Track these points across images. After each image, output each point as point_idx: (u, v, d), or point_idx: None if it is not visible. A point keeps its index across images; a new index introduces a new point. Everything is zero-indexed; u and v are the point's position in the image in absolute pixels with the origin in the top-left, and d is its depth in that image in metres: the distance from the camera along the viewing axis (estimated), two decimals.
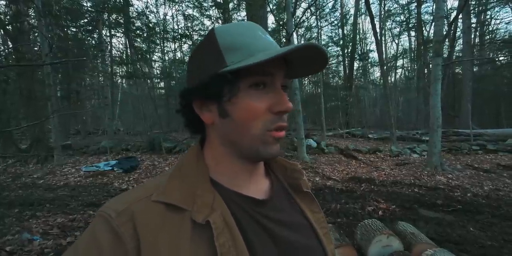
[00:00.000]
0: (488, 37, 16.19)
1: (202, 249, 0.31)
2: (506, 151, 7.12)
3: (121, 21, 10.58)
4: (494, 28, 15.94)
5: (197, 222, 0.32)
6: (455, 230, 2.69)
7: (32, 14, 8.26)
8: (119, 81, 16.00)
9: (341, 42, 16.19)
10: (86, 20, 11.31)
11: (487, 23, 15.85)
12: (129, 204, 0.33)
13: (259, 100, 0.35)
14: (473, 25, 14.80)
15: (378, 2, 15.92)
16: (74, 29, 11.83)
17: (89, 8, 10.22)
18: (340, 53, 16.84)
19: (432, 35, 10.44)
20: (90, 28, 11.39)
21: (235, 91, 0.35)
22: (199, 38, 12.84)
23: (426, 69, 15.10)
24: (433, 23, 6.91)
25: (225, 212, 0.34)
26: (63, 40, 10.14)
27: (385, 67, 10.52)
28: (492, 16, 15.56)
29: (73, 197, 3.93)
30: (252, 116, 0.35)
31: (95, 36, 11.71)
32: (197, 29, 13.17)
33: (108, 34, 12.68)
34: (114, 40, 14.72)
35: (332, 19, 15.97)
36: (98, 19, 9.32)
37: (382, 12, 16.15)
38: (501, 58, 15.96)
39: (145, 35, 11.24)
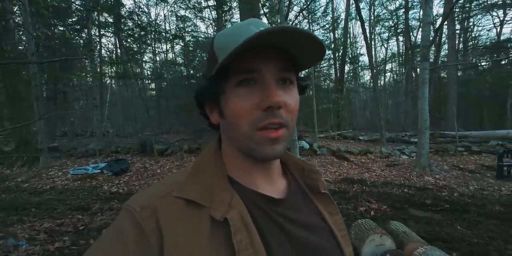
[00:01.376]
0: (471, 43, 16.92)
1: (220, 245, 0.31)
2: (489, 152, 7.41)
3: (112, 20, 10.40)
4: (477, 34, 16.72)
5: (215, 219, 0.32)
6: (444, 229, 2.78)
7: (18, 11, 8.00)
8: (108, 81, 15.66)
9: (332, 46, 16.47)
10: (74, 19, 11.05)
11: (470, 29, 16.57)
12: (152, 199, 0.34)
13: (246, 97, 0.34)
14: (457, 31, 15.43)
15: (368, 7, 16.37)
16: (62, 28, 11.52)
17: (79, 7, 9.98)
18: (332, 56, 17.13)
19: (419, 40, 10.81)
20: (79, 27, 11.12)
21: (222, 91, 0.36)
22: (192, 39, 12.77)
23: (413, 73, 15.57)
24: (421, 29, 7.15)
25: (242, 210, 0.34)
26: (50, 39, 9.84)
27: (374, 71, 10.78)
28: (475, 23, 16.32)
29: (60, 201, 3.79)
30: (239, 115, 0.34)
31: (83, 35, 11.45)
32: (189, 30, 13.11)
33: (97, 33, 12.42)
34: (103, 40, 14.38)
35: (324, 23, 16.26)
36: (87, 18, 9.10)
37: (372, 17, 16.59)
38: (483, 63, 16.70)
39: (136, 35, 11.08)
